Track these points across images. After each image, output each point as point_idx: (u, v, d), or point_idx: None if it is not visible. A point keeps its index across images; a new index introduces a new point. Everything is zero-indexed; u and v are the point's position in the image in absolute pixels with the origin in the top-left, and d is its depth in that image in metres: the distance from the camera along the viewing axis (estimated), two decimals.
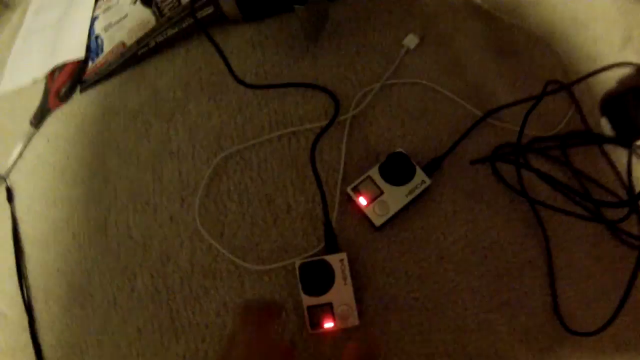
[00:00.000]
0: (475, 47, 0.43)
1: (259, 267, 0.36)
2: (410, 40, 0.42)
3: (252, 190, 0.39)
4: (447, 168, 0.39)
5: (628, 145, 0.40)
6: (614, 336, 0.35)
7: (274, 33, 0.43)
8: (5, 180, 0.48)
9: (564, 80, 0.42)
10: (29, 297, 0.44)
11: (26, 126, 0.49)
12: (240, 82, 0.41)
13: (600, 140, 0.41)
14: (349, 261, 0.33)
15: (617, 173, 0.40)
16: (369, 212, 0.35)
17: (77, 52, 0.50)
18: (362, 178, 0.36)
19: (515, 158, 0.39)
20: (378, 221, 0.35)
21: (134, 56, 0.46)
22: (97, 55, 0.50)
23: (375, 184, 0.36)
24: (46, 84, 0.51)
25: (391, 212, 0.35)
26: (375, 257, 0.36)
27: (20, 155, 0.49)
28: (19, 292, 0.44)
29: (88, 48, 0.50)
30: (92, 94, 0.48)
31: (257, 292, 0.36)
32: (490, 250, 0.37)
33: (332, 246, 0.35)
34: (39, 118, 0.49)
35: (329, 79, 0.41)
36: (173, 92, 0.43)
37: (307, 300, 0.33)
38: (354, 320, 0.33)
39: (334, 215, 0.37)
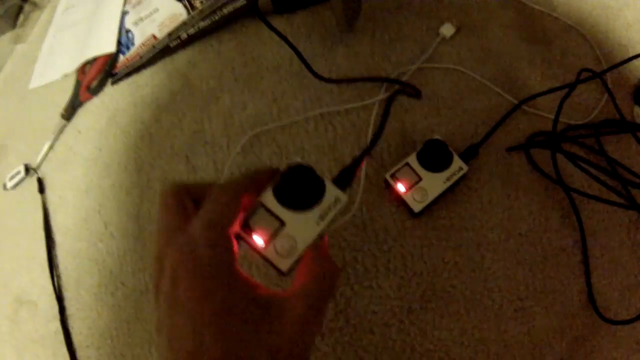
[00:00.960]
0: (508, 35, 0.43)
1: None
2: (447, 29, 0.42)
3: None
4: (483, 155, 0.38)
5: None
6: None
7: (306, 24, 0.43)
8: (36, 172, 0.48)
9: (596, 69, 0.42)
10: (59, 286, 0.44)
11: (57, 119, 0.49)
12: (318, 76, 0.40)
13: (634, 128, 0.40)
14: (386, 250, 0.33)
15: None
16: (407, 199, 0.35)
17: (108, 46, 0.50)
18: (400, 165, 0.36)
19: (550, 145, 0.38)
20: (417, 207, 0.35)
21: (166, 48, 0.46)
22: (128, 49, 0.50)
23: (413, 170, 0.35)
24: (77, 78, 0.51)
25: (430, 199, 0.35)
26: (412, 245, 0.36)
27: (52, 147, 0.49)
28: (49, 281, 0.43)
29: (119, 42, 0.50)
30: (123, 86, 0.48)
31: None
32: (527, 237, 0.36)
33: (340, 183, 0.28)
34: (70, 111, 0.49)
35: (365, 69, 0.41)
36: (206, 83, 0.43)
37: (267, 199, 0.24)
38: (282, 265, 0.23)
39: (358, 196, 0.35)
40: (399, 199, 0.36)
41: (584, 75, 0.41)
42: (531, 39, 0.43)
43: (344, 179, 0.29)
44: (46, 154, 0.49)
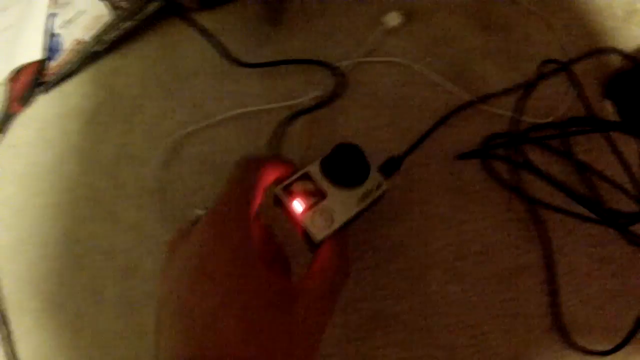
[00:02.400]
0: (461, 23, 0.37)
1: None
2: (392, 18, 0.36)
3: (210, 180, 0.34)
4: (430, 163, 0.33)
5: (636, 132, 0.34)
6: (627, 354, 0.30)
7: (231, 20, 0.37)
8: None
9: (561, 59, 0.36)
10: (3, 310, 0.42)
11: None
12: (236, 60, 0.35)
13: (604, 127, 0.35)
14: None
15: (625, 164, 0.34)
16: (306, 222, 0.24)
17: (34, 52, 0.45)
18: (297, 174, 0.25)
19: (509, 153, 0.33)
20: (319, 235, 0.24)
21: (91, 53, 0.42)
22: (58, 54, 0.45)
23: (314, 183, 0.25)
24: (8, 88, 0.47)
25: (336, 224, 0.24)
26: (352, 267, 0.32)
27: None
28: None
29: (49, 48, 0.46)
30: (53, 95, 0.44)
31: None
32: (483, 255, 0.32)
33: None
34: (3, 124, 0.46)
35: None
36: (130, 91, 0.39)
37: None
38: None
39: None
40: (293, 221, 0.25)
41: (548, 67, 0.35)
42: (488, 26, 0.37)
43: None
44: None
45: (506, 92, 0.35)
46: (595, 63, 0.36)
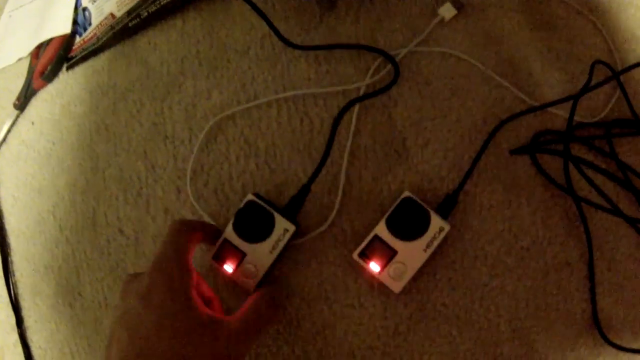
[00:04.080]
0: (512, 20, 0.36)
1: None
2: (447, 10, 0.35)
3: (252, 165, 0.32)
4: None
5: None
6: None
7: (281, 2, 0.35)
8: None
9: (608, 60, 0.35)
10: (16, 294, 0.38)
11: (10, 109, 0.43)
12: (287, 42, 0.33)
13: None
14: None
15: None
16: (384, 279, 0.28)
17: (62, 26, 0.42)
18: (368, 238, 0.28)
19: (562, 150, 0.32)
20: (397, 287, 0.28)
21: (125, 29, 0.39)
22: (85, 29, 0.42)
23: (385, 243, 0.28)
24: (30, 63, 0.44)
25: (410, 273, 0.28)
26: None
27: (4, 140, 0.42)
28: (5, 289, 0.38)
29: (75, 22, 0.43)
30: (79, 72, 0.41)
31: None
32: (528, 250, 0.31)
33: (290, 212, 0.29)
34: (23, 100, 0.42)
35: (345, 52, 0.34)
36: (167, 68, 0.36)
37: (230, 235, 0.29)
38: (250, 284, 0.29)
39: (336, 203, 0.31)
40: (374, 280, 0.29)
41: (597, 68, 0.34)
42: (537, 25, 0.36)
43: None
44: None
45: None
46: None
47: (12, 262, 0.39)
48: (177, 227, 0.26)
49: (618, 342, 0.30)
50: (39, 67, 0.42)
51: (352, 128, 0.32)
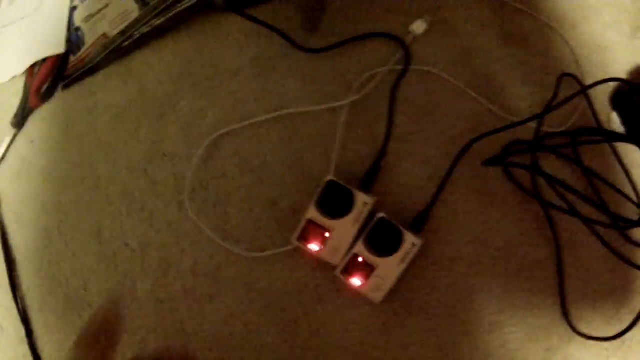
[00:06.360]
0: (483, 35, 0.38)
1: (266, 254, 0.33)
2: (418, 27, 0.36)
3: (247, 181, 0.34)
4: (458, 168, 0.34)
5: (639, 143, 0.36)
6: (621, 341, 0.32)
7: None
8: None
9: (575, 72, 0.38)
10: (24, 307, 0.39)
11: (7, 127, 0.43)
12: (300, 47, 0.36)
13: (610, 137, 0.37)
14: None
15: (628, 173, 0.36)
16: (365, 292, 0.31)
17: (56, 46, 0.43)
18: (348, 257, 0.31)
19: (529, 164, 0.35)
20: (377, 298, 0.31)
21: (118, 49, 0.40)
22: (79, 48, 0.43)
23: (364, 260, 0.31)
24: (26, 81, 0.44)
25: (388, 285, 0.31)
26: None
27: (3, 157, 0.43)
28: (13, 303, 0.39)
29: (68, 41, 0.43)
30: (75, 91, 0.41)
31: (268, 283, 0.33)
32: (502, 251, 0.33)
33: (366, 184, 0.32)
34: (21, 118, 0.43)
35: (330, 68, 0.36)
36: (162, 88, 0.37)
37: (312, 213, 0.30)
38: (335, 259, 0.31)
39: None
40: (355, 293, 0.31)
41: (565, 80, 0.37)
42: (508, 39, 0.38)
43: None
44: None
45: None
46: (604, 77, 0.38)
47: (18, 277, 0.40)
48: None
49: (586, 332, 0.32)
50: (34, 86, 0.43)
51: (337, 145, 0.34)
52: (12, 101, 0.44)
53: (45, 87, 0.42)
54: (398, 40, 0.36)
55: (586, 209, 0.35)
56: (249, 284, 0.33)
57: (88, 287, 0.37)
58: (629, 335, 0.32)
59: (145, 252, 0.35)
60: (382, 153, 0.34)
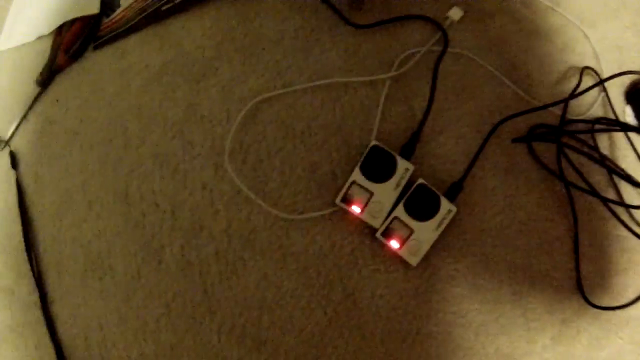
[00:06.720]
0: (514, 26, 0.40)
1: (305, 216, 0.33)
2: (455, 13, 0.38)
3: (289, 145, 0.34)
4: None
5: None
6: (630, 312, 0.34)
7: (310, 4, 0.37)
8: (8, 145, 0.41)
9: (595, 67, 0.41)
10: (39, 270, 0.38)
11: (30, 86, 0.42)
12: (349, 22, 0.37)
13: (625, 128, 0.39)
14: None
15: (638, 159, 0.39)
16: (403, 254, 0.32)
17: (90, 6, 0.42)
18: (389, 219, 0.32)
19: (554, 141, 0.37)
20: (414, 260, 0.32)
21: (157, 12, 0.40)
22: (113, 10, 0.42)
23: (403, 223, 0.32)
24: (54, 40, 0.43)
25: (424, 249, 0.32)
26: None
27: (25, 117, 0.41)
28: (27, 265, 0.37)
29: (102, 2, 0.43)
30: (107, 51, 0.41)
31: (304, 246, 0.33)
32: (525, 225, 0.35)
33: (406, 153, 0.33)
34: (46, 77, 0.42)
35: (372, 44, 0.37)
36: (203, 52, 0.37)
37: (356, 176, 0.32)
38: (376, 222, 0.32)
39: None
40: (393, 255, 0.33)
41: (586, 72, 0.39)
42: (535, 31, 0.41)
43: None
44: (18, 125, 0.41)
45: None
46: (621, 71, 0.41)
47: (34, 238, 0.38)
48: None
49: (598, 304, 0.34)
50: (63, 45, 0.42)
51: (378, 115, 0.35)
52: (37, 61, 0.43)
53: (75, 46, 0.41)
54: (436, 24, 0.38)
55: (605, 193, 0.37)
56: (285, 247, 0.33)
57: (111, 249, 0.36)
58: (635, 313, 0.34)
59: (176, 213, 0.35)
60: (423, 123, 0.35)
